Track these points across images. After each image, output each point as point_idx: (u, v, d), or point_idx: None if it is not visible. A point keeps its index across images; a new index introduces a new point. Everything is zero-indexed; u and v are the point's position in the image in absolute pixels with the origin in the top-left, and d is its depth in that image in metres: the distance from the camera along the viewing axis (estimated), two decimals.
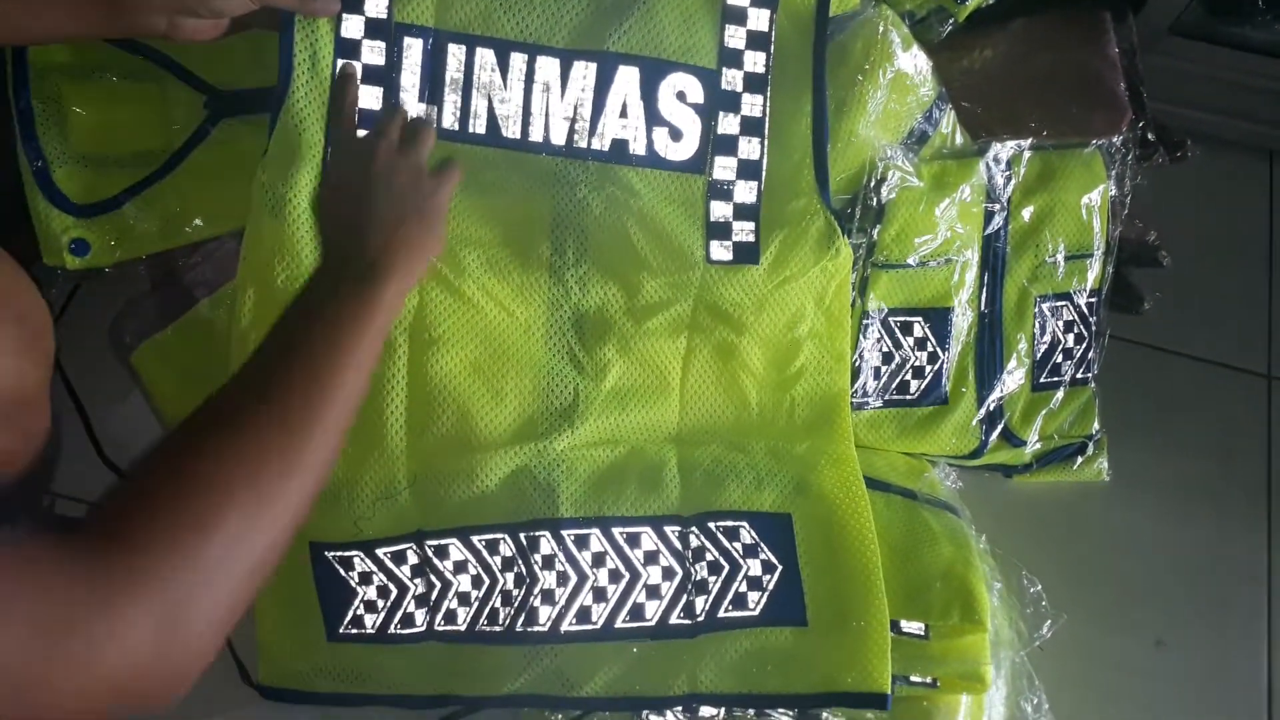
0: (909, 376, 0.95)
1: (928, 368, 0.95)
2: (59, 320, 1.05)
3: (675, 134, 0.83)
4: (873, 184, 0.88)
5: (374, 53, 0.79)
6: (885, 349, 0.94)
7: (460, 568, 0.82)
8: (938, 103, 0.92)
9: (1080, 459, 1.03)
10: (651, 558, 0.83)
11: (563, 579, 0.81)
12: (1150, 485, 1.07)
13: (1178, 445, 1.09)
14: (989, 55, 1.03)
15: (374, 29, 0.79)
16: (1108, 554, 1.04)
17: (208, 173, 0.86)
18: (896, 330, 0.94)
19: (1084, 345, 1.01)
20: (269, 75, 0.79)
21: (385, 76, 0.80)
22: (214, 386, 0.82)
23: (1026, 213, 0.97)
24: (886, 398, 0.95)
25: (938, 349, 0.95)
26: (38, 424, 0.68)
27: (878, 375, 0.94)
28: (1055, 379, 1.01)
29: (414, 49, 0.80)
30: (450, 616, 0.82)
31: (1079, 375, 1.02)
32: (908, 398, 0.95)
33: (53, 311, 1.00)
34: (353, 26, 0.79)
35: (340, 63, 0.79)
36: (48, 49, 0.84)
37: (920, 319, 0.94)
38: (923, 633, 0.83)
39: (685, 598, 0.82)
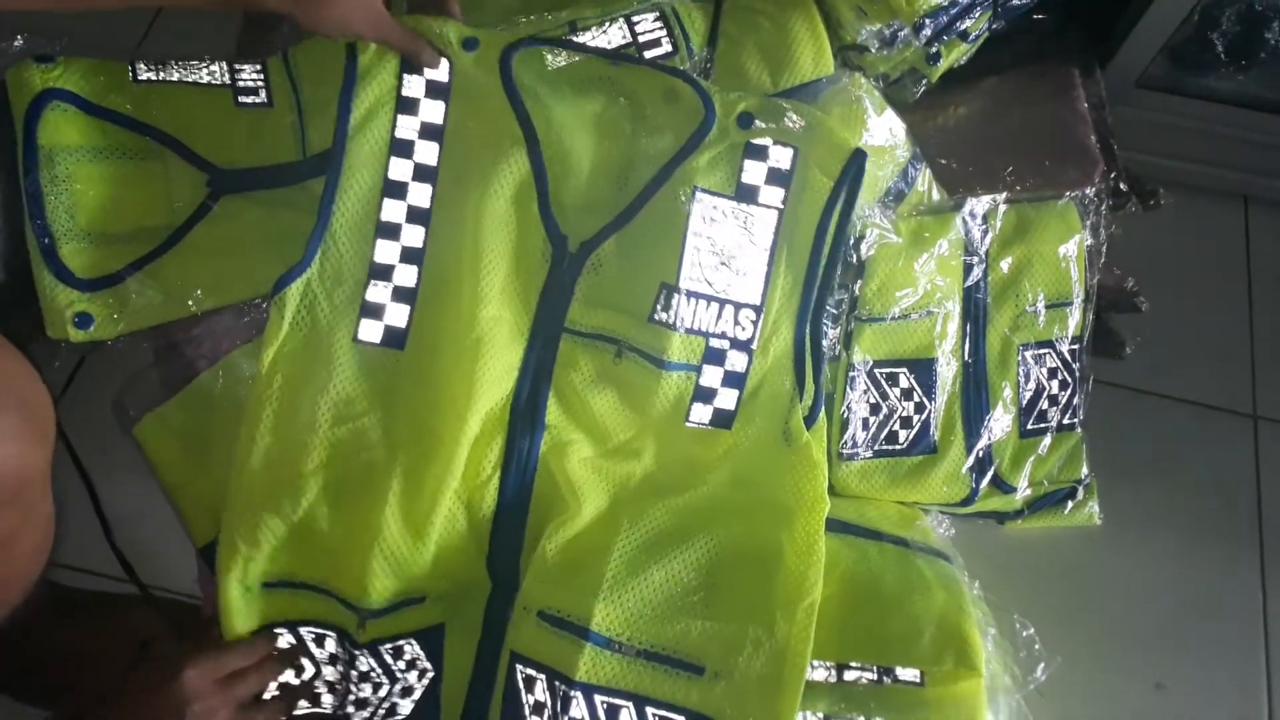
0: (897, 427, 0.97)
1: (915, 417, 0.97)
2: (64, 393, 1.07)
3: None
4: (853, 241, 0.91)
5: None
6: (872, 400, 0.96)
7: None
8: (913, 162, 0.95)
9: (1071, 504, 1.04)
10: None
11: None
12: (1142, 528, 1.08)
13: (1167, 487, 1.11)
14: (962, 113, 1.06)
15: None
16: (1105, 598, 1.05)
17: (209, 247, 0.88)
18: (883, 382, 0.96)
19: (1069, 391, 1.03)
20: (269, 154, 0.83)
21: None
22: (215, 457, 0.85)
23: (1005, 264, 1.00)
24: (876, 448, 0.96)
25: (924, 399, 0.97)
26: (41, 504, 0.70)
27: (866, 426, 0.96)
28: (1042, 425, 1.02)
29: None
30: None
31: (1065, 420, 1.03)
32: (897, 447, 0.97)
33: (59, 385, 1.03)
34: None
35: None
36: (58, 130, 0.87)
37: (905, 370, 0.96)
38: (918, 680, 0.83)
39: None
